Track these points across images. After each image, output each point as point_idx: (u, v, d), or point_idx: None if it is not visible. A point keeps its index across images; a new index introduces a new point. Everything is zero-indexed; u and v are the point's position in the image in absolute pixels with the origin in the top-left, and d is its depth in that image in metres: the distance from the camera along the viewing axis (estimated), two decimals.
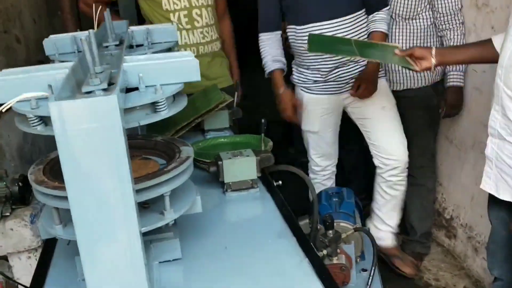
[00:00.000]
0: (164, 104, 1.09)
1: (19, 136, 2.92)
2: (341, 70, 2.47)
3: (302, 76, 2.58)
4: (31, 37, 3.69)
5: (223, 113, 2.22)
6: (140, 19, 2.83)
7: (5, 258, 2.31)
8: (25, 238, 2.17)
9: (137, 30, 1.67)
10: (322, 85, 2.53)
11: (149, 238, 1.26)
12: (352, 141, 3.62)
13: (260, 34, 2.53)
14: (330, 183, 2.83)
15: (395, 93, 2.65)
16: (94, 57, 1.04)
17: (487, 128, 2.31)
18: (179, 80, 1.12)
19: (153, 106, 1.10)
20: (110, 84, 1.02)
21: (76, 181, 0.87)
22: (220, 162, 1.66)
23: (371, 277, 2.02)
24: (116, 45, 1.55)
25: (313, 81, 2.52)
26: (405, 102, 2.62)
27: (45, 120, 1.04)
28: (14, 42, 3.40)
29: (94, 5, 1.68)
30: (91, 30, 1.14)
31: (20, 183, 2.14)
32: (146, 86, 1.10)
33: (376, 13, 2.39)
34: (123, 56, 1.21)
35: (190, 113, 2.13)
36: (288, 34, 2.54)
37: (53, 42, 1.61)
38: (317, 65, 2.47)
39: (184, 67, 1.12)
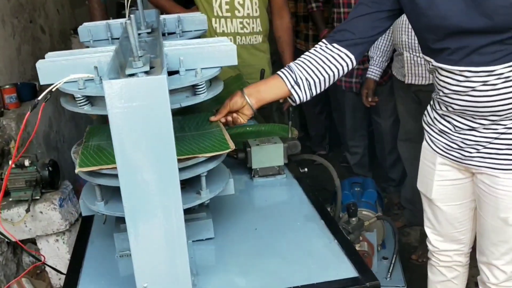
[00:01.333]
0: (203, 87, 1.14)
1: (45, 124, 2.99)
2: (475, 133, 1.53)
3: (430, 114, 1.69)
4: (55, 27, 3.76)
5: None
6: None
7: (32, 241, 2.37)
8: (54, 222, 2.24)
9: (169, 18, 1.72)
10: (444, 142, 1.64)
11: (184, 218, 1.31)
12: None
13: None
14: (452, 274, 1.87)
15: (418, 87, 2.66)
16: (136, 41, 1.08)
17: None
18: (217, 64, 1.16)
19: (193, 89, 1.14)
20: (151, 67, 1.06)
21: (126, 157, 0.92)
22: (248, 149, 1.70)
23: (392, 265, 2.06)
24: (148, 33, 1.59)
25: (438, 129, 1.63)
26: (429, 97, 2.58)
27: (92, 101, 1.09)
28: (39, 32, 3.48)
29: None
30: (132, 16, 1.17)
31: (50, 168, 2.19)
32: (186, 70, 1.14)
33: None
34: (161, 40, 1.26)
35: (216, 102, 2.17)
36: None
37: (87, 29, 1.65)
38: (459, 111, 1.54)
39: (222, 52, 1.16)
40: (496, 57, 1.37)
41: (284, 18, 2.66)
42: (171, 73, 1.17)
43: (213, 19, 2.49)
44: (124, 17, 1.71)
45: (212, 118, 1.48)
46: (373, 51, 2.96)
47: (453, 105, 1.52)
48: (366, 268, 1.18)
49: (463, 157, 1.58)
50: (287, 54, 2.70)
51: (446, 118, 1.60)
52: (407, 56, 2.61)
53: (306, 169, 1.78)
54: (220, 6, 2.47)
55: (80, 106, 1.08)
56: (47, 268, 2.36)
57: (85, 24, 1.72)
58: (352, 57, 1.54)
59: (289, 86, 1.51)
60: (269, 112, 2.69)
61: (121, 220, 1.25)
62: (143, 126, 0.91)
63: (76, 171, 1.10)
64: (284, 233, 1.39)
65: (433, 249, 1.86)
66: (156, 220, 0.97)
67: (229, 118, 1.53)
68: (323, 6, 3.56)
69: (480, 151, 1.53)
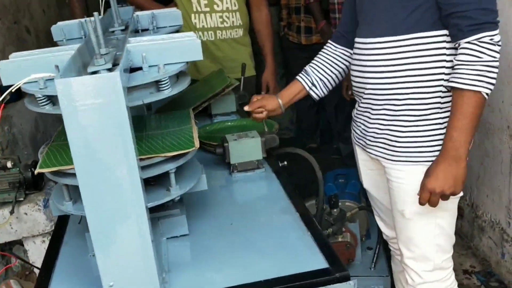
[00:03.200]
0: (167, 83, 1.12)
1: (31, 125, 2.98)
2: (367, 116, 1.57)
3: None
4: (40, 27, 3.74)
5: (229, 97, 2.24)
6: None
7: (20, 242, 2.37)
8: (39, 222, 2.23)
9: (142, 14, 1.71)
10: (355, 130, 1.69)
11: (156, 215, 1.31)
12: None
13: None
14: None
15: None
16: (99, 39, 1.07)
17: (491, 108, 2.32)
18: (182, 60, 1.15)
19: (157, 85, 1.13)
20: (115, 64, 1.06)
21: (83, 156, 0.91)
22: (226, 144, 1.69)
23: (375, 255, 2.06)
24: (122, 30, 1.58)
25: (354, 116, 1.69)
26: None
27: (53, 100, 1.08)
28: (24, 32, 3.46)
29: None
30: (95, 13, 1.17)
31: (32, 169, 2.18)
32: (149, 66, 1.13)
33: (461, 43, 1.31)
34: (127, 38, 1.25)
35: (197, 98, 2.17)
36: None
37: (60, 28, 1.65)
38: (355, 92, 1.64)
39: (186, 47, 1.15)
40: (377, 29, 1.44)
41: (262, 11, 2.65)
42: (137, 69, 1.17)
43: (193, 15, 2.48)
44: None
45: (246, 108, 1.76)
46: None
47: (353, 83, 1.62)
48: (337, 259, 1.18)
49: (365, 145, 1.59)
50: (267, 47, 2.69)
51: (355, 102, 1.66)
52: None
53: (285, 163, 1.78)
54: (198, 1, 2.46)
55: (42, 106, 1.07)
56: (36, 269, 2.36)
57: (59, 23, 1.71)
58: (351, 51, 1.65)
59: (308, 88, 1.75)
60: None
61: None
62: (99, 123, 0.90)
63: (36, 172, 1.10)
64: (260, 227, 1.39)
65: (386, 238, 1.86)
66: (117, 218, 0.96)
67: (261, 115, 1.75)
68: None
69: (376, 139, 1.54)
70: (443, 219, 1.51)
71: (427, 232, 1.52)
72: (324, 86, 1.75)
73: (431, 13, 1.35)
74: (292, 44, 3.83)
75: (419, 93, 1.41)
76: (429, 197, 1.40)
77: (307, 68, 1.77)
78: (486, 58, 1.27)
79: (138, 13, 1.75)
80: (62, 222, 1.47)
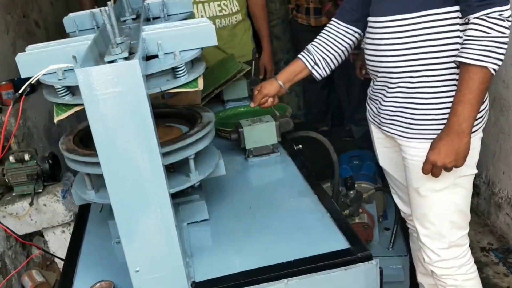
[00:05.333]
0: (183, 70, 1.13)
1: (45, 118, 3.00)
2: (382, 94, 1.56)
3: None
4: (49, 20, 3.75)
5: (241, 83, 2.25)
6: None
7: (40, 233, 2.41)
8: (58, 213, 2.27)
9: (153, 2, 1.70)
10: (370, 108, 1.69)
11: (177, 201, 1.32)
12: None
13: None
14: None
15: None
16: (113, 28, 1.08)
17: (507, 85, 2.30)
18: (197, 45, 1.16)
19: (173, 72, 1.14)
20: (131, 53, 1.06)
21: (106, 145, 0.92)
22: (240, 129, 1.70)
23: (393, 235, 2.07)
24: (133, 19, 1.58)
25: (369, 94, 1.69)
26: None
27: (72, 90, 1.09)
28: (34, 26, 3.48)
29: None
30: (109, 3, 1.17)
31: (50, 161, 2.21)
32: (165, 53, 1.13)
33: (470, 19, 1.30)
34: (141, 26, 1.25)
35: (209, 84, 2.17)
36: None
37: (72, 20, 1.65)
38: (370, 71, 1.62)
39: (201, 32, 1.15)
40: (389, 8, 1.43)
41: None
42: (153, 57, 1.17)
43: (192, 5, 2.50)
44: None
45: (252, 105, 1.74)
46: None
47: (367, 62, 1.59)
48: (358, 239, 1.18)
49: (381, 123, 1.59)
50: (263, 30, 2.73)
51: (371, 81, 1.65)
52: None
53: (300, 146, 1.78)
54: None
55: (61, 97, 1.08)
56: (57, 259, 2.41)
57: (70, 14, 1.71)
58: (359, 31, 1.66)
59: (310, 67, 1.70)
60: None
61: None
62: (120, 111, 0.91)
63: (55, 120, 1.08)
64: (278, 210, 1.40)
65: (403, 215, 1.86)
66: (141, 205, 0.98)
67: (268, 103, 1.73)
68: None
69: (391, 117, 1.53)
70: (458, 195, 1.50)
71: (442, 209, 1.52)
72: (326, 65, 1.70)
73: None
74: (302, 27, 3.79)
75: (433, 69, 1.41)
76: (431, 168, 1.40)
77: (309, 46, 1.73)
78: (494, 33, 1.27)
79: (148, 1, 1.75)
80: (83, 211, 1.49)
